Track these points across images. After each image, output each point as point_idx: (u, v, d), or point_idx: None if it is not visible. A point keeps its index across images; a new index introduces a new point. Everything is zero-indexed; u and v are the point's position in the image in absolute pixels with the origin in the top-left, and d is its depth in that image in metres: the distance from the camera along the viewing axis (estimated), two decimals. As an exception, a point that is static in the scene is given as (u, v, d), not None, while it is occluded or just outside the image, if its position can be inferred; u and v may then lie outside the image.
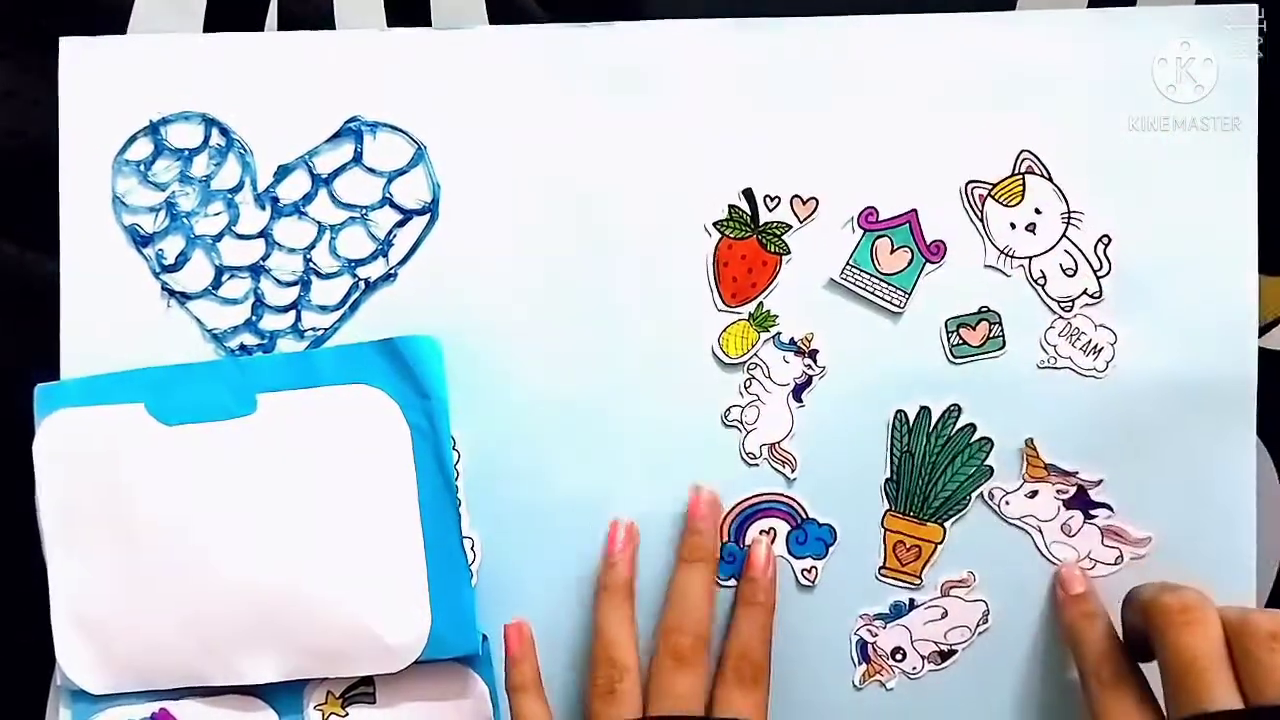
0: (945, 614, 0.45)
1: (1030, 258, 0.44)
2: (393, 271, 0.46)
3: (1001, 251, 0.44)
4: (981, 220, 0.45)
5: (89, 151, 0.46)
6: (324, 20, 0.46)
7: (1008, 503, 0.45)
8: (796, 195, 0.45)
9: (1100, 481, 0.44)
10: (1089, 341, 0.44)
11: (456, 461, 0.45)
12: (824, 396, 0.45)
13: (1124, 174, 0.44)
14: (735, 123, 0.45)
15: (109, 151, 0.46)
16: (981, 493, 0.45)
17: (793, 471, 0.45)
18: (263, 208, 0.46)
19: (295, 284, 0.46)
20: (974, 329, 0.45)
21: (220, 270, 0.46)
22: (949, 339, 0.45)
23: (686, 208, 0.45)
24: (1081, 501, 0.45)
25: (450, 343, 0.45)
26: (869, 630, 0.45)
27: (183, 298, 0.46)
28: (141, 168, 0.46)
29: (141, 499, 0.44)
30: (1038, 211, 0.44)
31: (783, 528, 0.45)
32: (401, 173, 0.46)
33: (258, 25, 0.46)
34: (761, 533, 0.45)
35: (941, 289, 0.45)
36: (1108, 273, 0.44)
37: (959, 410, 0.45)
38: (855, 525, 0.45)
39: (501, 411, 0.45)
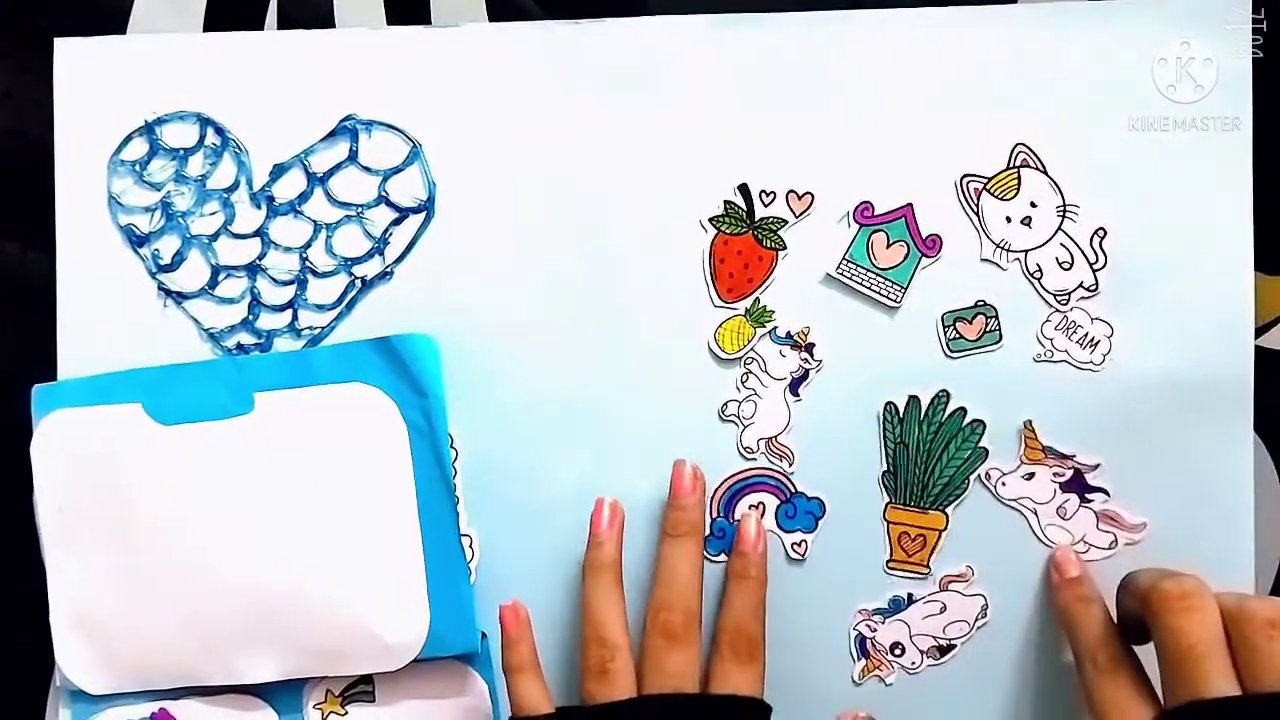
0: (944, 609, 0.45)
1: (1026, 251, 0.44)
2: (389, 270, 0.46)
3: (997, 245, 0.45)
4: (977, 214, 0.45)
5: (84, 152, 0.46)
6: (324, 19, 0.46)
7: (1004, 484, 0.45)
8: (792, 190, 0.45)
9: (1097, 466, 0.44)
10: (1085, 335, 0.44)
11: (454, 459, 0.45)
12: (821, 391, 0.45)
13: (1122, 172, 0.44)
14: (730, 118, 0.45)
15: (104, 151, 0.46)
16: (979, 475, 0.45)
17: (790, 465, 0.45)
18: (258, 207, 0.46)
19: (292, 283, 0.46)
20: (970, 323, 0.45)
21: (216, 270, 0.46)
22: (945, 333, 0.45)
23: (682, 204, 0.45)
24: (1078, 485, 0.45)
25: (447, 340, 0.45)
26: (868, 625, 0.45)
27: (179, 297, 0.46)
28: (137, 168, 0.46)
29: (140, 499, 0.44)
30: (1033, 205, 0.44)
31: (771, 502, 0.45)
32: (397, 171, 0.46)
33: (257, 24, 0.47)
34: (751, 507, 0.45)
35: (937, 283, 0.45)
36: (1104, 266, 0.44)
37: (948, 395, 0.44)
38: (856, 519, 0.45)
39: (498, 408, 0.45)
